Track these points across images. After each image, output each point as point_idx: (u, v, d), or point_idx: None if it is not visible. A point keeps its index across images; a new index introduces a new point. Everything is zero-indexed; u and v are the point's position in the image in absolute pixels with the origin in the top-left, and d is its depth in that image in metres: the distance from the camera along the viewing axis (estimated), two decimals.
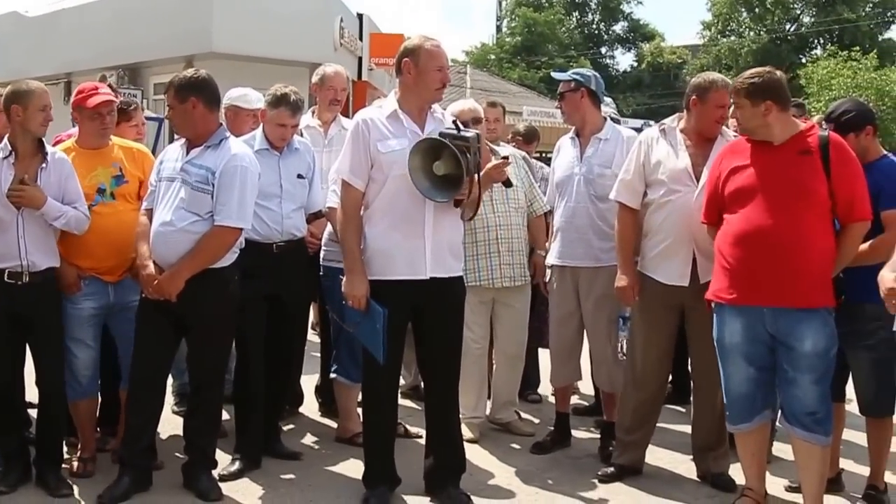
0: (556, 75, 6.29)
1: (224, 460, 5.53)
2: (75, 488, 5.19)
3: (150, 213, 5.19)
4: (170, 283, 4.98)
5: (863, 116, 5.19)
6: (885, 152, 5.28)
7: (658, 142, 5.50)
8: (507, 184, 5.53)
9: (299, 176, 5.84)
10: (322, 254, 6.05)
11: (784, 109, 4.81)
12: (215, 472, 5.35)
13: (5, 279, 5.02)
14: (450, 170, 4.85)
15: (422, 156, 4.86)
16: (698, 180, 5.30)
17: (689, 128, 5.46)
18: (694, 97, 5.43)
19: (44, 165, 5.10)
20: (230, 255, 5.17)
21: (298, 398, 6.87)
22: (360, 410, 5.97)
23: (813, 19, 53.44)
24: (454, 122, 5.03)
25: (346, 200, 5.07)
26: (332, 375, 6.20)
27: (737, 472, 5.31)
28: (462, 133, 4.91)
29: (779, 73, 4.89)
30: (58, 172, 5.14)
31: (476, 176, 4.94)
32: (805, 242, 4.63)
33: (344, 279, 5.04)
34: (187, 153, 5.15)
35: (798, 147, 4.75)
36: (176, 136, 5.50)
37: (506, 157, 5.61)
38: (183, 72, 5.26)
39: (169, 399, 6.18)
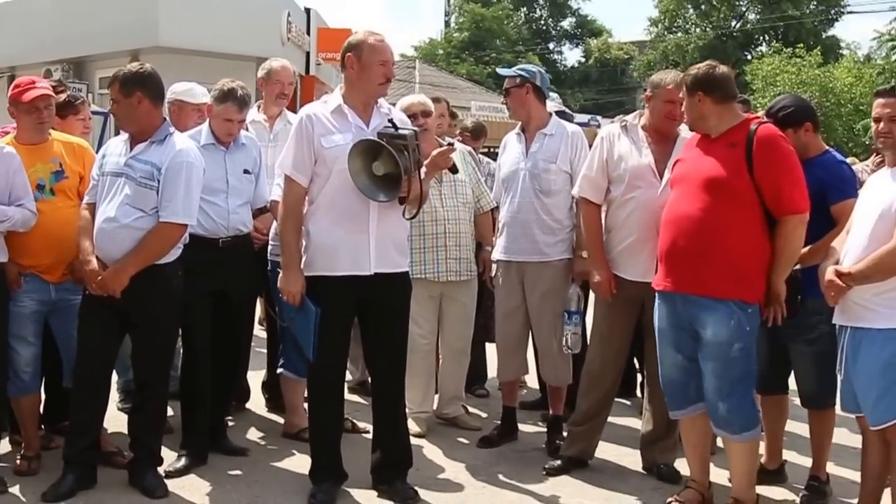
0: (501, 71, 6.31)
1: (170, 457, 5.49)
2: (18, 486, 5.13)
3: (91, 208, 5.13)
4: (114, 280, 4.93)
5: (802, 112, 5.23)
6: (828, 148, 5.35)
7: (620, 138, 5.55)
8: (453, 170, 5.54)
9: (245, 171, 5.81)
10: (269, 248, 6.03)
11: (719, 102, 4.84)
12: (161, 469, 5.31)
13: None
14: (389, 169, 4.86)
15: (361, 157, 4.87)
16: (661, 177, 5.36)
17: (649, 124, 5.53)
18: (648, 92, 5.55)
19: None
20: (174, 251, 5.14)
21: (245, 394, 6.84)
22: (306, 405, 5.97)
23: (758, 16, 53.98)
24: (390, 120, 5.03)
25: (288, 195, 5.05)
26: (279, 370, 6.19)
27: (684, 465, 5.36)
28: (399, 132, 4.91)
29: (722, 67, 4.94)
30: (4, 167, 5.06)
31: (418, 173, 4.95)
32: (715, 232, 4.69)
33: (280, 274, 5.03)
34: (131, 148, 5.10)
35: (729, 139, 4.80)
36: (121, 131, 5.44)
37: (451, 143, 5.63)
38: (128, 66, 5.21)
39: (114, 396, 6.14)
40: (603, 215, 5.61)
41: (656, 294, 5.01)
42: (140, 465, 5.23)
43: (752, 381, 4.83)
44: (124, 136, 5.22)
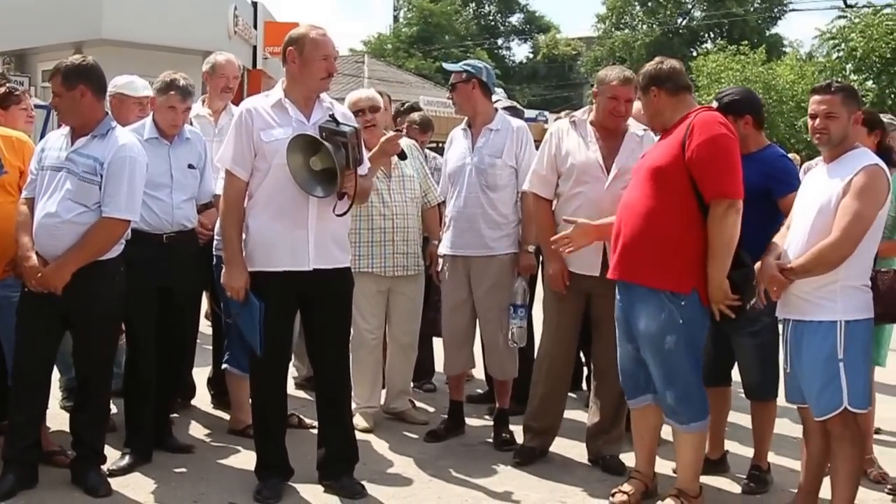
0: (447, 66, 6.32)
1: (113, 455, 5.43)
2: None
3: (30, 203, 5.05)
4: (55, 276, 4.86)
5: (745, 104, 5.30)
6: (770, 143, 5.42)
7: (568, 133, 5.60)
8: (402, 156, 5.54)
9: (190, 166, 5.75)
10: (214, 243, 5.97)
11: (672, 94, 4.89)
12: (104, 468, 5.25)
13: None
14: (327, 164, 4.85)
15: (300, 151, 4.85)
16: (608, 172, 5.41)
17: (596, 120, 5.58)
18: (594, 88, 5.64)
19: None
20: (117, 246, 5.08)
21: (190, 390, 6.78)
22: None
23: (704, 14, 54.48)
24: (332, 115, 5.02)
25: (229, 190, 5.02)
26: (224, 366, 6.15)
27: (629, 458, 5.40)
28: (340, 127, 4.90)
29: (670, 61, 4.99)
30: None
31: (355, 170, 4.94)
32: (650, 221, 4.72)
33: (223, 270, 5.00)
34: (73, 142, 5.02)
35: (673, 129, 4.84)
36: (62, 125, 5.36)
37: (398, 130, 5.61)
38: (70, 58, 5.14)
39: (56, 394, 6.06)
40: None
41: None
42: (83, 463, 5.16)
43: (698, 373, 4.84)
44: (64, 129, 5.15)
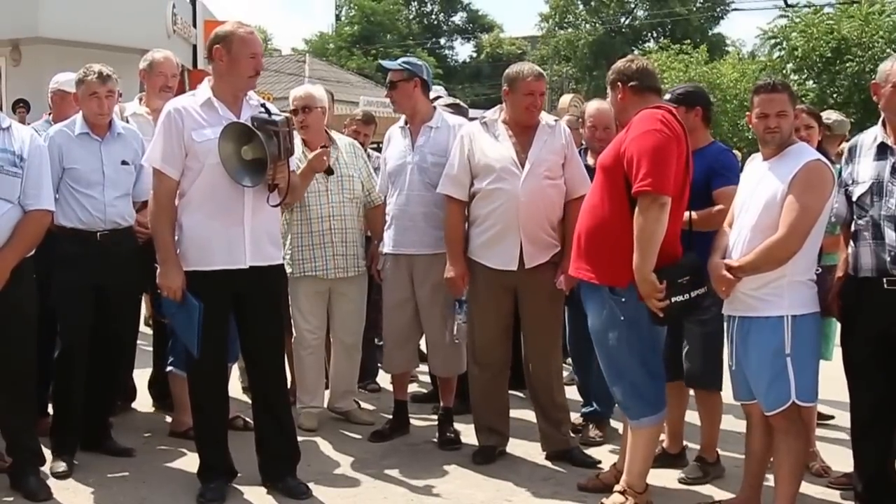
0: (385, 64, 6.30)
1: (49, 459, 5.35)
2: None
3: None
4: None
5: (696, 97, 5.45)
6: (714, 140, 5.52)
7: (480, 133, 5.65)
8: (328, 171, 5.50)
9: (123, 162, 5.66)
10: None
11: (637, 93, 4.87)
12: (46, 469, 5.18)
13: None
14: (258, 154, 4.81)
15: (232, 140, 4.80)
16: (523, 167, 5.46)
17: (509, 118, 5.63)
18: (505, 87, 5.64)
19: None
20: None
21: (131, 393, 6.70)
22: None
23: (647, 13, 54.97)
24: (263, 104, 5.00)
25: (159, 190, 4.95)
26: (169, 368, 6.06)
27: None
28: (272, 117, 4.87)
29: (641, 60, 5.03)
30: None
31: (287, 161, 4.91)
32: (594, 217, 4.76)
33: (158, 270, 4.94)
34: None
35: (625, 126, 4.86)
36: None
37: (325, 146, 5.59)
38: None
39: None
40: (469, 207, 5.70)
41: None
42: (21, 467, 5.08)
43: (646, 368, 4.80)
44: None
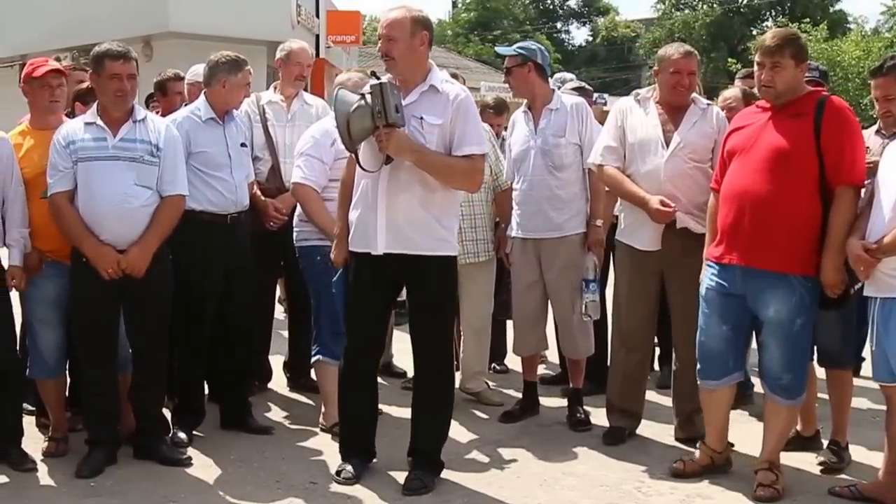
0: (500, 50, 6.35)
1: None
2: (44, 466, 5.22)
3: (68, 197, 5.07)
4: (141, 259, 5.05)
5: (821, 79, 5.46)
6: None
7: (632, 110, 5.63)
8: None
9: (242, 144, 5.89)
10: (295, 234, 5.97)
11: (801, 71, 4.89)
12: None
13: None
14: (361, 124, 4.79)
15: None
16: (668, 146, 5.43)
17: (660, 98, 5.60)
18: (655, 67, 5.66)
19: None
20: None
21: (267, 374, 6.88)
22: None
23: None
24: (372, 72, 5.06)
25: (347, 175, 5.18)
26: (315, 358, 5.95)
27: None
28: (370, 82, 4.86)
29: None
30: None
31: (387, 124, 4.74)
32: (779, 206, 4.68)
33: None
34: (112, 131, 5.12)
35: (794, 110, 4.79)
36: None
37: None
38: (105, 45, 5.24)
39: None
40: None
41: (708, 265, 5.01)
42: (151, 437, 5.37)
43: (810, 349, 4.93)
44: (84, 119, 5.21)
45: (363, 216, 4.96)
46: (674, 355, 5.82)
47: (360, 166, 4.89)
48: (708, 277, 5.00)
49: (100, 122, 5.13)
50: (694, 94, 5.59)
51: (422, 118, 4.84)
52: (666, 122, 5.52)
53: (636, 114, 5.60)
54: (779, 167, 4.70)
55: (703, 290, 5.04)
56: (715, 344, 5.01)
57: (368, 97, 4.75)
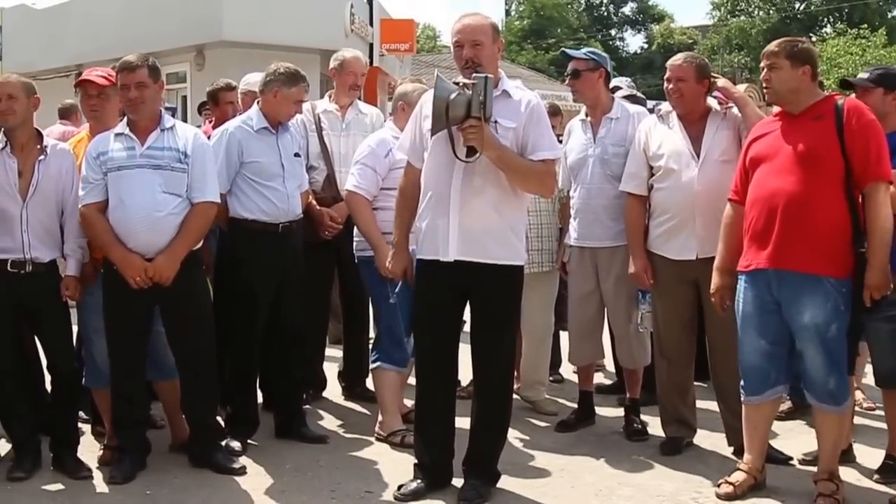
0: (570, 52, 6.27)
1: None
2: (98, 473, 5.26)
3: (99, 208, 5.10)
4: (169, 267, 5.04)
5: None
6: None
7: (656, 126, 5.65)
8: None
9: (296, 154, 5.88)
10: (355, 244, 5.94)
11: (814, 78, 4.90)
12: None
13: (8, 269, 5.06)
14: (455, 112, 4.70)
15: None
16: (698, 156, 5.44)
17: (675, 109, 5.64)
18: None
19: (42, 157, 5.14)
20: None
21: (322, 383, 6.89)
22: (406, 402, 6.05)
23: None
24: (476, 69, 4.87)
25: (406, 180, 5.12)
26: (375, 364, 5.90)
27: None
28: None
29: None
30: (57, 165, 5.19)
31: (478, 118, 4.65)
32: (809, 208, 4.65)
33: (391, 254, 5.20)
34: (140, 140, 5.13)
35: (814, 113, 4.80)
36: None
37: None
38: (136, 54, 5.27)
39: None
40: None
41: (741, 277, 4.95)
42: (204, 444, 5.39)
43: (850, 361, 4.82)
44: (115, 131, 5.21)
45: (432, 223, 4.88)
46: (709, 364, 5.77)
47: (455, 154, 4.75)
48: (742, 292, 4.95)
49: (128, 131, 5.17)
50: (709, 100, 5.61)
51: (496, 121, 4.79)
52: (689, 132, 5.53)
53: (660, 130, 5.62)
54: (808, 167, 4.68)
55: (738, 306, 4.98)
56: (755, 359, 4.94)
57: (466, 89, 4.67)
